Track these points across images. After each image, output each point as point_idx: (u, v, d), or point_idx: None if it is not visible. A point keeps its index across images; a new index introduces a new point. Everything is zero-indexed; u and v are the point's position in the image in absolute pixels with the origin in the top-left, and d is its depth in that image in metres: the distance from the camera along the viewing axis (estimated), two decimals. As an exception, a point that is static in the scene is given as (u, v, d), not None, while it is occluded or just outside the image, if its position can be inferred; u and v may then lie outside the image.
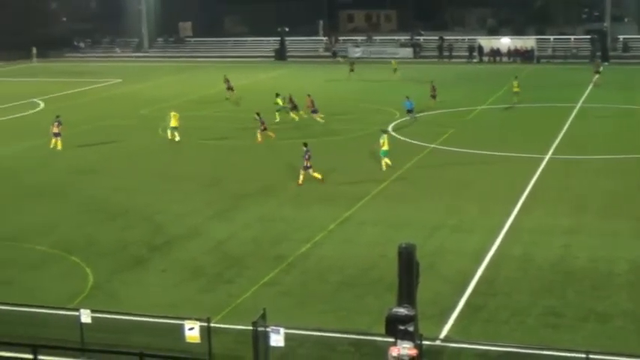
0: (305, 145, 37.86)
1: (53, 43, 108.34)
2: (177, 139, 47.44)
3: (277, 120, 53.03)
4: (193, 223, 32.51)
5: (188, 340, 19.83)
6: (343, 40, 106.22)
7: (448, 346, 21.26)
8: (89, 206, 35.41)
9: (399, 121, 52.73)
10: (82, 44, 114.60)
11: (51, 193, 37.68)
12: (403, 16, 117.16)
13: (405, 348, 17.89)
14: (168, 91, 70.86)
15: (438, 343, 21.12)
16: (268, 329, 19.34)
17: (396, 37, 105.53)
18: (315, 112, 53.06)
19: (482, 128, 51.89)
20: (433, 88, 59.55)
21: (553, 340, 21.22)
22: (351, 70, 78.27)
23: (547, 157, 42.13)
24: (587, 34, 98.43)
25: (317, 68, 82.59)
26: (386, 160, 39.72)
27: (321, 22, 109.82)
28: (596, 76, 70.76)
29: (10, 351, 19.01)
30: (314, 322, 22.25)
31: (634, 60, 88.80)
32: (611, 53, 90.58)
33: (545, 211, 33.01)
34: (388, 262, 24.83)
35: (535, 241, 29.47)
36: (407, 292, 18.33)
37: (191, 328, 19.82)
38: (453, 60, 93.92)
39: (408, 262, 18.35)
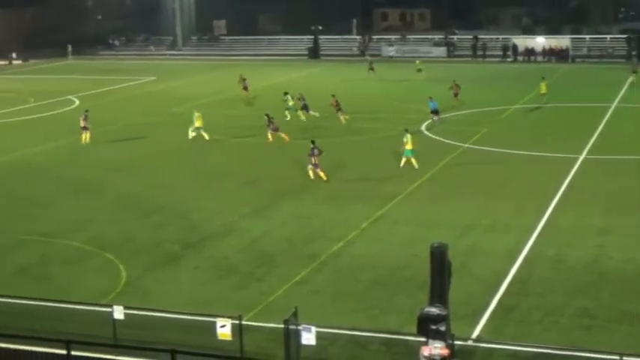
0: (312, 142, 38.19)
1: (88, 41, 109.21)
2: (206, 137, 47.52)
3: (288, 118, 53.01)
4: (228, 221, 32.63)
5: (220, 337, 19.93)
6: (377, 38, 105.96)
7: (480, 347, 21.19)
8: (124, 203, 35.68)
9: (436, 118, 52.39)
10: (116, 42, 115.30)
11: (86, 189, 37.99)
12: (437, 15, 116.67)
13: (437, 348, 17.85)
14: (201, 89, 71.07)
15: (469, 343, 21.05)
16: (300, 327, 19.39)
17: (429, 36, 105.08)
18: (339, 111, 52.70)
19: (515, 128, 51.58)
20: (456, 87, 59.27)
21: (586, 341, 21.07)
22: (371, 69, 77.53)
23: (581, 157, 41.84)
24: (623, 33, 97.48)
25: (350, 67, 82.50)
26: (411, 159, 39.66)
27: (355, 21, 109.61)
28: (633, 76, 69.95)
29: (45, 346, 19.18)
30: (345, 320, 22.26)
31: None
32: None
33: (579, 211, 32.79)
34: (420, 261, 24.80)
35: (569, 241, 29.28)
36: (439, 291, 18.30)
37: (223, 326, 19.91)
38: (487, 59, 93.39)
39: (440, 262, 18.31)
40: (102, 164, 43.10)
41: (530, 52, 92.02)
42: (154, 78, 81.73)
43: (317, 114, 53.48)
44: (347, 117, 52.45)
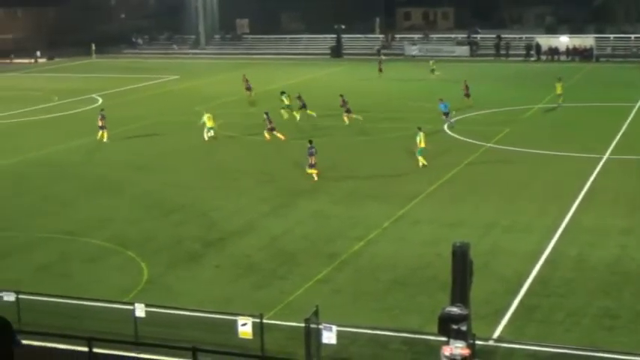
0: (310, 142, 38.38)
1: (112, 40, 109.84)
2: (207, 137, 47.80)
3: (285, 118, 52.93)
4: (248, 219, 32.68)
5: (241, 335, 19.97)
6: (400, 37, 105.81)
7: (501, 347, 21.11)
8: (145, 201, 35.81)
9: (452, 120, 52.20)
10: (139, 41, 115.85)
11: (107, 188, 38.16)
12: (460, 14, 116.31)
13: (458, 347, 17.79)
14: (224, 88, 71.20)
15: (490, 343, 20.98)
16: (321, 326, 19.39)
17: (452, 36, 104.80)
18: (348, 111, 52.41)
19: (538, 127, 51.30)
20: (466, 87, 58.99)
21: (608, 342, 20.95)
22: (380, 70, 77.30)
23: (605, 157, 41.57)
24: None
25: (373, 66, 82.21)
26: (421, 159, 39.61)
27: (378, 20, 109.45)
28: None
29: (67, 343, 19.25)
30: (366, 320, 22.24)
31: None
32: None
33: (601, 211, 32.60)
34: (441, 260, 24.74)
35: (591, 241, 29.12)
36: (460, 291, 18.23)
37: (244, 324, 19.95)
38: (510, 58, 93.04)
39: (462, 261, 18.24)
40: (123, 162, 43.31)
41: (553, 51, 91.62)
42: (177, 77, 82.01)
43: (314, 114, 53.39)
44: (354, 117, 52.08)
